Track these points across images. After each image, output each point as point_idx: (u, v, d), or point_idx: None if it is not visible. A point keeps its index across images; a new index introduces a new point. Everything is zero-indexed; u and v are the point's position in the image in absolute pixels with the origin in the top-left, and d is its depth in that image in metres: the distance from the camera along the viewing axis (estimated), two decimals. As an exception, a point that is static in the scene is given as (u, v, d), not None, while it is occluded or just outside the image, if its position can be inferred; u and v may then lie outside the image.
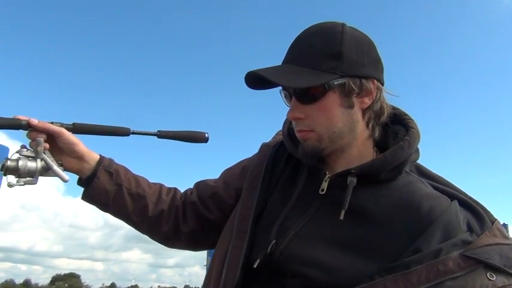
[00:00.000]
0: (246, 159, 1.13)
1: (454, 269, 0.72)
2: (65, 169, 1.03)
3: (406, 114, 0.97)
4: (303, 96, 0.88)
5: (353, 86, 0.88)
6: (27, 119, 0.97)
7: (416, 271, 0.72)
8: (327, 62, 0.87)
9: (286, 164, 1.01)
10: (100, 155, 1.08)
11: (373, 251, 0.79)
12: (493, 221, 0.83)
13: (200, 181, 1.17)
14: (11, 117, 0.97)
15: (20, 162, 0.94)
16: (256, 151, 1.10)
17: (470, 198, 0.88)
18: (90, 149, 1.06)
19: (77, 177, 1.08)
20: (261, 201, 0.95)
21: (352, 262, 0.78)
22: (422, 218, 0.80)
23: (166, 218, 1.10)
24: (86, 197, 1.07)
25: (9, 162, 0.94)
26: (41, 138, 0.96)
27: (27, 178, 0.96)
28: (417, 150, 0.93)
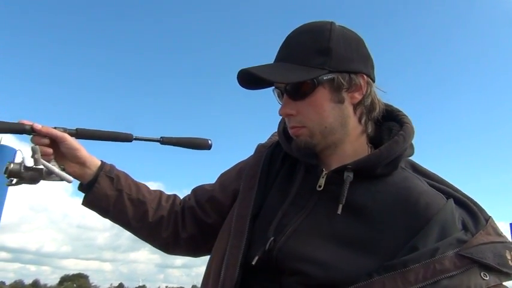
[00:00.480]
0: (242, 161, 1.14)
1: (450, 268, 0.73)
2: (67, 173, 1.03)
3: (400, 111, 0.98)
4: (293, 92, 0.90)
5: (342, 81, 0.89)
6: (31, 123, 0.99)
7: (413, 270, 0.73)
8: (315, 58, 0.89)
9: (282, 163, 1.02)
10: (101, 160, 1.09)
11: (370, 246, 0.80)
12: (487, 218, 0.84)
13: (197, 186, 1.18)
14: (16, 121, 0.99)
15: (24, 164, 0.96)
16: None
17: (465, 196, 0.89)
18: (94, 153, 1.07)
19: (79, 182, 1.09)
20: (258, 200, 0.96)
21: (350, 258, 0.79)
22: (420, 215, 0.81)
23: (165, 224, 1.11)
24: (87, 202, 1.08)
25: (12, 166, 0.96)
26: (37, 146, 0.98)
27: (30, 182, 0.98)
28: (411, 146, 0.95)
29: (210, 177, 1.21)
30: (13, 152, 3.66)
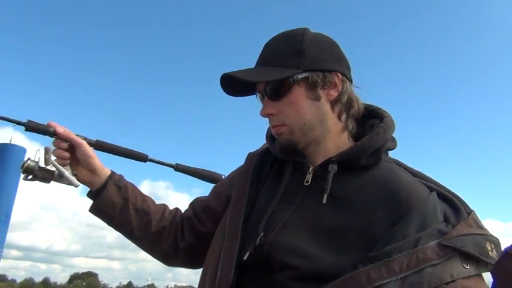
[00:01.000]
0: (234, 170, 1.18)
1: (433, 257, 0.76)
2: (78, 179, 1.10)
3: (380, 108, 1.01)
4: (272, 93, 0.94)
5: (316, 78, 0.93)
6: (55, 126, 1.08)
7: (397, 259, 0.75)
8: (290, 59, 0.94)
9: (271, 166, 1.06)
10: (111, 170, 1.15)
11: (355, 237, 0.82)
12: (469, 212, 0.86)
13: (195, 199, 1.22)
14: (45, 123, 1.08)
15: (38, 165, 1.04)
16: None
17: (448, 191, 0.91)
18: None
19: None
20: (250, 203, 0.99)
21: (336, 249, 0.81)
22: (401, 204, 0.84)
23: (166, 235, 1.15)
24: (94, 209, 1.13)
25: (29, 162, 1.03)
26: (50, 147, 1.06)
27: (42, 180, 1.05)
28: (394, 139, 0.99)
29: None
30: (23, 151, 3.70)
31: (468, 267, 0.77)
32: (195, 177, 1.17)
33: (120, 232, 1.17)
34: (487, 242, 0.81)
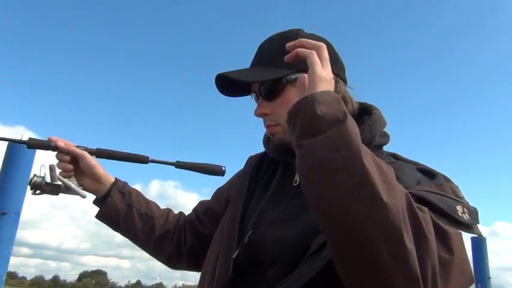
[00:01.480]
0: (235, 174, 1.21)
1: None
2: (84, 189, 1.15)
3: (371, 105, 1.02)
4: (266, 93, 0.95)
5: None
6: (56, 140, 1.11)
7: None
8: (283, 60, 0.87)
9: (268, 167, 1.08)
10: (116, 178, 1.20)
11: None
12: (449, 181, 0.86)
13: (199, 202, 1.27)
14: (45, 139, 1.11)
15: (45, 180, 1.08)
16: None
17: (444, 176, 0.89)
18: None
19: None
20: (247, 203, 1.01)
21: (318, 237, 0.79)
22: None
23: (170, 238, 1.19)
24: (99, 215, 1.18)
25: (35, 179, 1.08)
26: (54, 164, 1.10)
27: (50, 193, 1.10)
28: (385, 135, 0.99)
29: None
30: (33, 152, 3.71)
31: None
32: (196, 171, 1.19)
33: (125, 236, 1.21)
34: (459, 205, 0.78)
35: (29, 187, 1.09)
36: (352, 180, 0.63)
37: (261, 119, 0.99)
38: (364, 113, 1.00)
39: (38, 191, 1.09)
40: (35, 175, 1.08)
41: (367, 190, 0.62)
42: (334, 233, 0.66)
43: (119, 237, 1.23)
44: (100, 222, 1.20)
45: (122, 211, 1.16)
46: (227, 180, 1.24)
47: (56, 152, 1.12)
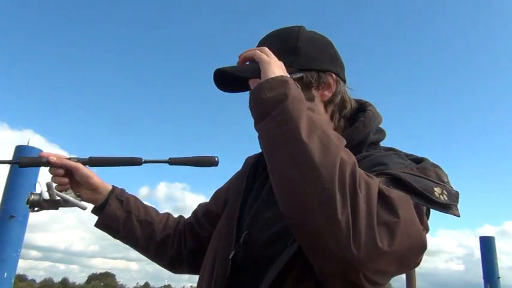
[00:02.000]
0: (233, 175, 1.21)
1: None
2: (83, 199, 1.14)
3: (366, 102, 1.03)
4: None
5: (311, 79, 0.95)
6: (47, 156, 1.10)
7: None
8: (284, 57, 0.92)
9: (264, 168, 1.05)
10: (113, 185, 1.20)
11: None
12: (435, 166, 0.86)
13: (198, 204, 1.28)
14: (36, 156, 1.11)
15: (42, 197, 1.08)
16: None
17: (432, 163, 0.89)
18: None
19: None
20: (244, 203, 1.01)
21: None
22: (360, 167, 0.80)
23: (171, 243, 1.20)
24: (99, 224, 1.17)
25: (33, 197, 1.08)
26: (51, 182, 1.09)
27: (49, 209, 1.10)
28: (381, 131, 1.00)
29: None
30: (39, 152, 3.72)
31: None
32: (190, 165, 1.18)
33: (126, 243, 1.21)
34: (438, 187, 0.79)
35: (27, 206, 1.08)
36: (289, 150, 0.70)
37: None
38: (360, 110, 1.01)
39: (36, 208, 1.09)
40: (31, 193, 1.08)
41: (302, 157, 0.68)
42: (282, 203, 0.73)
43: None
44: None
45: (121, 218, 1.16)
46: (227, 181, 1.24)
47: (49, 168, 1.11)
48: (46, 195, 1.07)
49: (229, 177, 1.23)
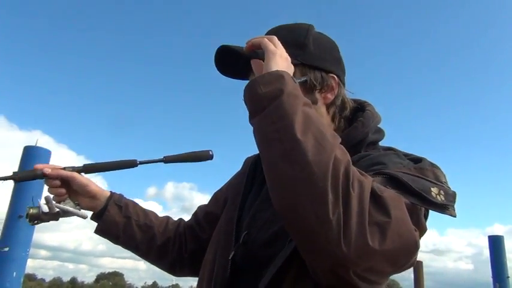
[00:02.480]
0: (233, 175, 1.22)
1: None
2: (82, 208, 1.14)
3: (365, 102, 1.04)
4: None
5: (314, 82, 0.95)
6: (42, 168, 1.09)
7: None
8: (290, 50, 0.91)
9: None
10: (111, 191, 1.20)
11: None
12: (434, 166, 0.86)
13: (198, 206, 1.28)
14: (31, 169, 1.09)
15: (41, 210, 1.07)
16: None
17: (431, 162, 0.89)
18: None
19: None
20: (244, 204, 1.02)
21: None
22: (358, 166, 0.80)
23: (172, 246, 1.20)
24: (99, 230, 1.17)
25: (31, 211, 1.07)
26: (49, 195, 1.08)
27: (50, 221, 1.10)
28: (380, 131, 1.00)
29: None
30: (48, 153, 3.76)
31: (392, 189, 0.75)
32: (186, 161, 1.17)
33: (126, 249, 1.21)
34: (435, 187, 0.79)
35: (27, 220, 1.08)
36: (283, 147, 0.70)
37: None
38: (359, 110, 1.02)
39: (36, 222, 1.08)
40: (29, 207, 1.08)
41: (296, 155, 0.68)
42: (275, 199, 0.72)
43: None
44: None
45: (120, 224, 1.16)
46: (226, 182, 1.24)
47: (45, 179, 1.10)
48: (45, 208, 1.07)
49: (229, 178, 1.23)
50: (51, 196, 1.09)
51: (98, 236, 1.17)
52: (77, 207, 1.12)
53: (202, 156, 1.18)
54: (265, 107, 0.75)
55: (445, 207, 0.78)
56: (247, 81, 0.89)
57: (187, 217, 1.30)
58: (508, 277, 6.63)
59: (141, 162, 1.16)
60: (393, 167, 0.82)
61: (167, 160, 1.16)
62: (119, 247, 1.20)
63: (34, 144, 3.68)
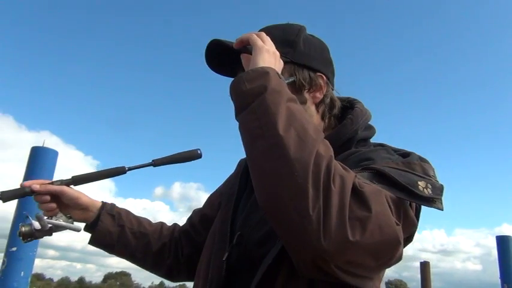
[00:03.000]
0: (227, 177, 1.23)
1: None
2: (74, 220, 1.13)
3: (355, 99, 1.05)
4: None
5: (303, 81, 0.97)
6: (30, 184, 1.07)
7: None
8: (280, 47, 0.93)
9: None
10: (102, 201, 1.19)
11: None
12: (423, 160, 0.87)
13: (193, 210, 1.28)
14: (18, 187, 1.08)
15: (33, 227, 1.06)
16: None
17: (419, 156, 0.90)
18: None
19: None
20: (237, 205, 1.03)
21: None
22: (348, 162, 0.84)
23: (168, 251, 1.20)
24: (93, 241, 1.17)
25: (24, 229, 1.06)
26: (41, 213, 1.07)
27: (43, 236, 1.09)
28: (370, 127, 1.01)
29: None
30: (55, 154, 3.79)
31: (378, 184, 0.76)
32: (175, 162, 1.17)
33: (122, 258, 1.21)
34: (422, 181, 0.80)
35: (20, 239, 1.07)
36: (266, 143, 0.71)
37: None
38: (349, 108, 1.03)
39: (29, 239, 1.07)
40: (22, 225, 1.06)
41: (278, 151, 0.69)
42: (258, 194, 0.74)
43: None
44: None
45: (114, 233, 1.16)
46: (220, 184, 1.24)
47: (34, 196, 1.09)
48: (37, 225, 1.06)
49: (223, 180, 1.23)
50: (42, 212, 1.08)
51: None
52: (70, 220, 1.11)
53: (191, 156, 1.18)
54: (250, 104, 0.76)
55: (432, 200, 0.78)
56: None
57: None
58: (517, 277, 6.56)
59: (130, 169, 1.14)
60: (381, 162, 0.83)
61: (156, 164, 1.15)
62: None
63: (41, 145, 3.70)
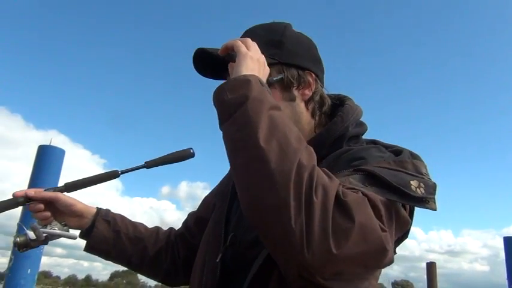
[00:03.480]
0: (221, 179, 1.20)
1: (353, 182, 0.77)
2: (70, 227, 1.11)
3: (345, 96, 1.03)
4: None
5: (291, 79, 0.95)
6: (23, 194, 1.05)
7: None
8: (267, 49, 0.92)
9: None
10: (97, 207, 1.17)
11: None
12: (415, 157, 0.85)
13: (188, 213, 1.27)
14: (10, 197, 1.05)
15: (28, 237, 1.06)
16: None
17: (411, 153, 0.88)
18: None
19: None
20: (231, 207, 1.01)
21: None
22: (340, 162, 0.85)
23: (164, 255, 1.19)
24: (88, 248, 1.15)
25: (19, 240, 1.05)
26: (35, 224, 1.06)
27: (40, 245, 1.08)
28: (361, 124, 0.99)
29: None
30: (62, 152, 3.80)
31: (370, 187, 0.75)
32: (168, 163, 1.15)
33: (119, 264, 1.20)
34: (415, 180, 0.78)
35: (15, 249, 1.06)
36: (247, 155, 0.70)
37: None
38: (339, 105, 1.00)
39: (25, 249, 1.07)
40: (16, 235, 1.06)
41: (259, 163, 0.68)
42: (242, 204, 0.73)
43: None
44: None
45: (110, 239, 1.14)
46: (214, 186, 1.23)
47: (28, 204, 1.07)
48: (32, 235, 1.05)
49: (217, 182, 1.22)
50: (37, 221, 1.07)
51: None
52: (65, 227, 1.10)
53: (184, 156, 1.17)
54: (231, 114, 0.74)
55: (425, 200, 0.77)
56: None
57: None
58: (524, 279, 6.51)
59: (123, 172, 1.13)
60: (373, 162, 0.82)
61: (149, 165, 1.14)
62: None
63: (48, 144, 3.72)
